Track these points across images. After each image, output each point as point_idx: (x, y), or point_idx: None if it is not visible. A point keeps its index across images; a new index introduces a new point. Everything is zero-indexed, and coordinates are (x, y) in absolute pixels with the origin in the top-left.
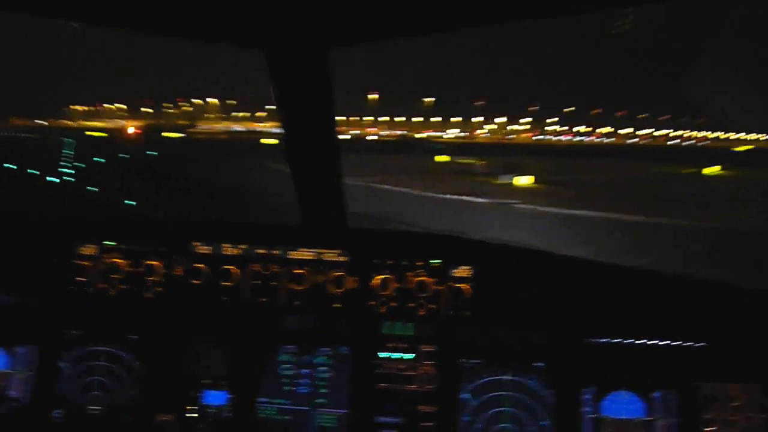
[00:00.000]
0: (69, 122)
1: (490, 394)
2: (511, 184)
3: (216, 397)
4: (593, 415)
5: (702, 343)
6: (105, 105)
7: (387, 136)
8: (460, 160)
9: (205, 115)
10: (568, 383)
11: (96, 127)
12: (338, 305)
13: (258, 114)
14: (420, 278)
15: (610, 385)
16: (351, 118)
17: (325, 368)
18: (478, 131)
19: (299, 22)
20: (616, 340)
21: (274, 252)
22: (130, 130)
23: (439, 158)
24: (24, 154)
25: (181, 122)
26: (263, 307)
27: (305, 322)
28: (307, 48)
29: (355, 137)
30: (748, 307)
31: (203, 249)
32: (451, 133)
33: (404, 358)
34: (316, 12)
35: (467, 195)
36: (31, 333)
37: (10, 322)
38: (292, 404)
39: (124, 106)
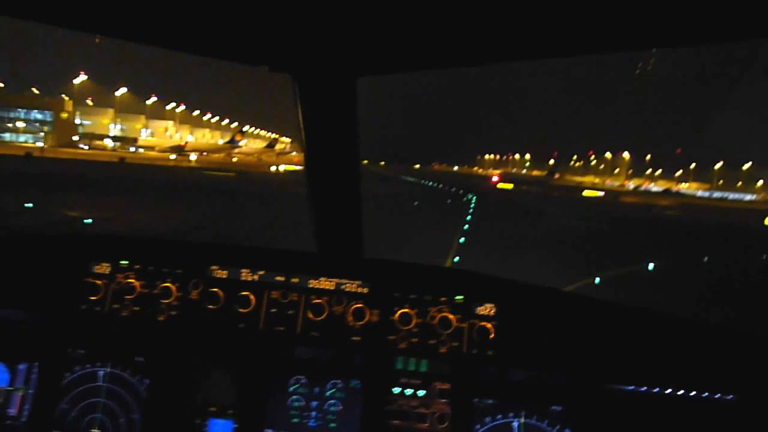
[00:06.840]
0: (478, 169)
1: None
2: None
3: (222, 426)
4: None
5: (730, 396)
6: (514, 155)
7: None
8: None
9: (615, 171)
10: (585, 429)
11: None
12: (357, 338)
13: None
14: (443, 314)
15: None
16: None
17: (335, 401)
18: None
19: (329, 50)
20: (641, 389)
21: (293, 280)
22: (494, 179)
23: None
24: None
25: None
26: (279, 335)
27: (317, 353)
28: (336, 75)
29: None
30: None
31: (221, 273)
32: None
33: (417, 394)
34: (345, 40)
35: None
36: (34, 350)
37: (14, 338)
38: None
39: (528, 156)
